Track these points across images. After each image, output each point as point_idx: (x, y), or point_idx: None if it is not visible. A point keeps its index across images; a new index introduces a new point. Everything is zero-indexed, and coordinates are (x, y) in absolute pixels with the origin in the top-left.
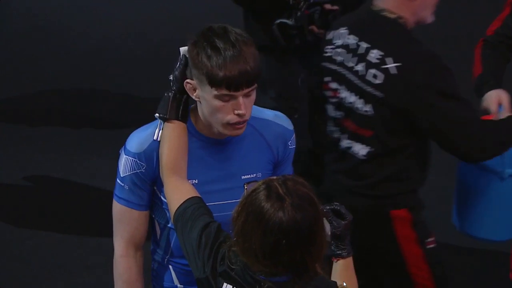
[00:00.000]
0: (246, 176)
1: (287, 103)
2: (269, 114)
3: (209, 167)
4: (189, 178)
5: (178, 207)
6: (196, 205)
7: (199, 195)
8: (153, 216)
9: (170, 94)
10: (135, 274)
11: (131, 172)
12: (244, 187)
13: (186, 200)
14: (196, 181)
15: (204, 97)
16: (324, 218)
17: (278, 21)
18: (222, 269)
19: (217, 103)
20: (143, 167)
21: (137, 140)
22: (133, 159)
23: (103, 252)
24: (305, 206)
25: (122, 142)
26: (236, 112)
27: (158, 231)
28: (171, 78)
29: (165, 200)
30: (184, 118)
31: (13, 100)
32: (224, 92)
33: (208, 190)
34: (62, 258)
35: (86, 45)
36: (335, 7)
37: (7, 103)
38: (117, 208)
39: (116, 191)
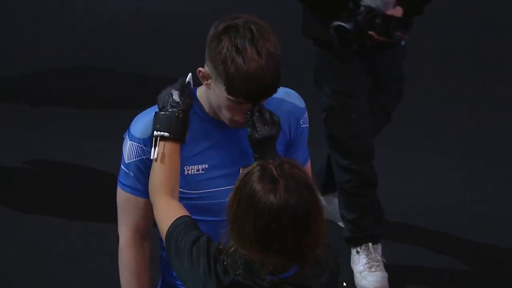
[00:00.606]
0: None
1: (343, 100)
2: (279, 92)
3: (219, 150)
4: (199, 163)
5: (169, 228)
6: (185, 223)
7: (188, 214)
8: None
9: (177, 113)
10: (141, 265)
11: (136, 159)
12: (239, 171)
13: (176, 219)
14: (206, 166)
15: (216, 91)
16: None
17: (335, 23)
18: (230, 279)
19: (229, 104)
20: (149, 153)
21: (142, 124)
22: (138, 144)
23: (108, 239)
24: (301, 190)
25: (128, 123)
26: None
27: None
28: (176, 96)
29: None
30: (184, 137)
31: (14, 79)
32: (241, 100)
33: (218, 174)
34: (66, 244)
35: (91, 22)
36: (398, 15)
37: (7, 81)
38: (122, 195)
39: (121, 178)
